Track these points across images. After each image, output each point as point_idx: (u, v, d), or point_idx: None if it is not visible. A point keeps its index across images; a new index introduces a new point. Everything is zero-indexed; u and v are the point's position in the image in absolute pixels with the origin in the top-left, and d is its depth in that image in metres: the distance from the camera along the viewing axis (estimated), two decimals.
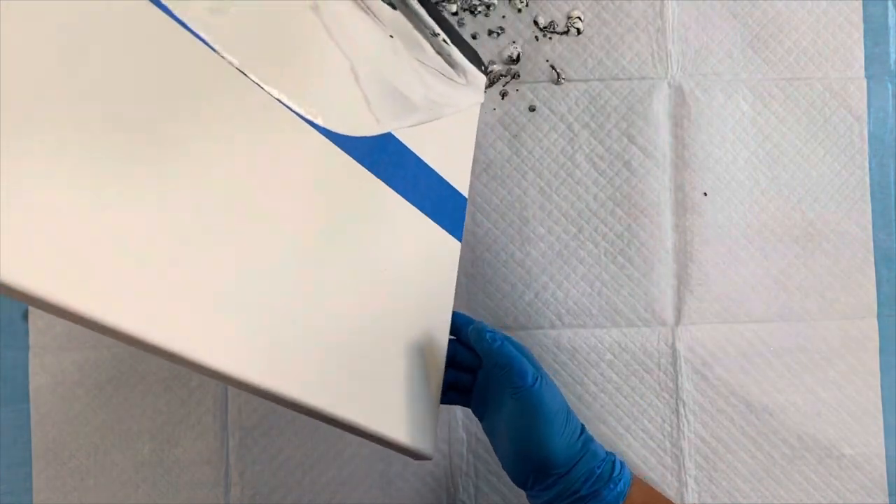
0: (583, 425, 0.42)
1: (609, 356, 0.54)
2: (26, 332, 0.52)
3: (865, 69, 0.55)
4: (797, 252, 0.55)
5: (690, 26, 0.55)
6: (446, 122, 0.45)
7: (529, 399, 0.39)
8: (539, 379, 0.40)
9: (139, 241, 0.26)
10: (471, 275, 0.54)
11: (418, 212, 0.43)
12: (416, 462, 0.53)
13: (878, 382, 0.55)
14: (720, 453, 0.54)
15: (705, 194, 0.54)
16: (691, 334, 0.54)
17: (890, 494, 0.54)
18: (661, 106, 0.54)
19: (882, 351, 0.55)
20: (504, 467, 0.42)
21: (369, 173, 0.39)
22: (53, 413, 0.52)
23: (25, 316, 0.52)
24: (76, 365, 0.52)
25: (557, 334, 0.54)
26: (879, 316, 0.55)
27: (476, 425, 0.53)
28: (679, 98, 0.54)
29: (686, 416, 0.54)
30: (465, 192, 0.48)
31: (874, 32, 0.55)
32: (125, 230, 0.26)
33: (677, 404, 0.54)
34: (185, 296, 0.28)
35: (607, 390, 0.54)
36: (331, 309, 0.36)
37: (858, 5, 0.55)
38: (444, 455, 0.53)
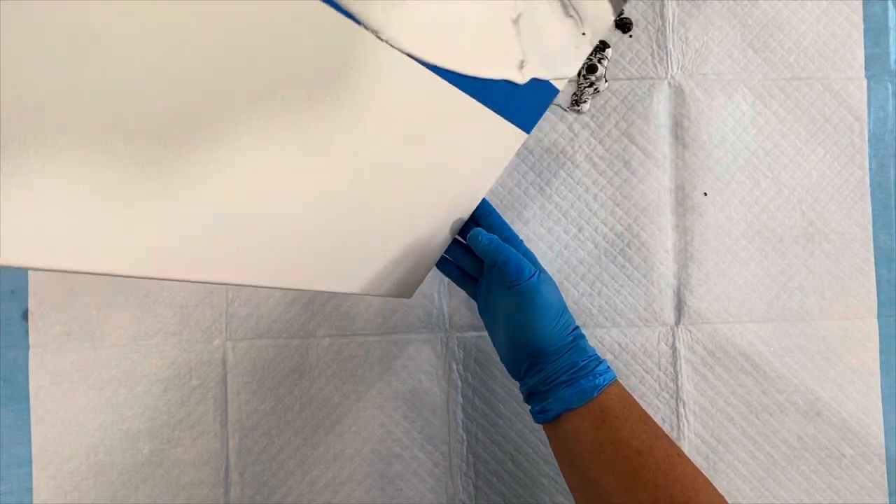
0: (578, 326, 0.44)
1: (609, 356, 0.54)
2: (26, 332, 0.52)
3: (866, 69, 0.55)
4: (797, 252, 0.55)
5: (691, 26, 0.54)
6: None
7: (527, 291, 0.42)
8: (537, 274, 0.43)
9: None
10: None
11: (489, 111, 0.43)
12: (416, 462, 0.53)
13: (878, 382, 0.55)
14: (720, 453, 0.54)
15: (705, 194, 0.54)
16: (691, 334, 0.54)
17: (890, 495, 0.54)
18: (661, 106, 0.54)
19: (882, 351, 0.55)
20: (501, 359, 0.45)
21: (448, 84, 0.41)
22: (53, 413, 0.52)
23: (25, 316, 0.52)
24: (76, 365, 0.52)
25: None
26: (879, 316, 0.55)
27: (476, 425, 0.53)
28: (679, 98, 0.54)
29: (686, 416, 0.54)
30: (559, 86, 0.48)
31: (874, 32, 0.55)
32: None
33: (677, 404, 0.54)
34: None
35: None
36: (377, 209, 0.40)
37: (858, 5, 0.55)
38: (444, 455, 0.53)
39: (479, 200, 0.48)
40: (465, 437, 0.53)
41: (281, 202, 0.35)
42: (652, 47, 0.54)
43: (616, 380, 0.42)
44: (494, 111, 0.43)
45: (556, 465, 0.53)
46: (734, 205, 0.54)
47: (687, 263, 0.54)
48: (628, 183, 0.54)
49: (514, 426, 0.53)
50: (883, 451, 0.54)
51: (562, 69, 0.46)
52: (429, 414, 0.53)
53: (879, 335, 0.55)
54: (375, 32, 0.34)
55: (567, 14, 0.45)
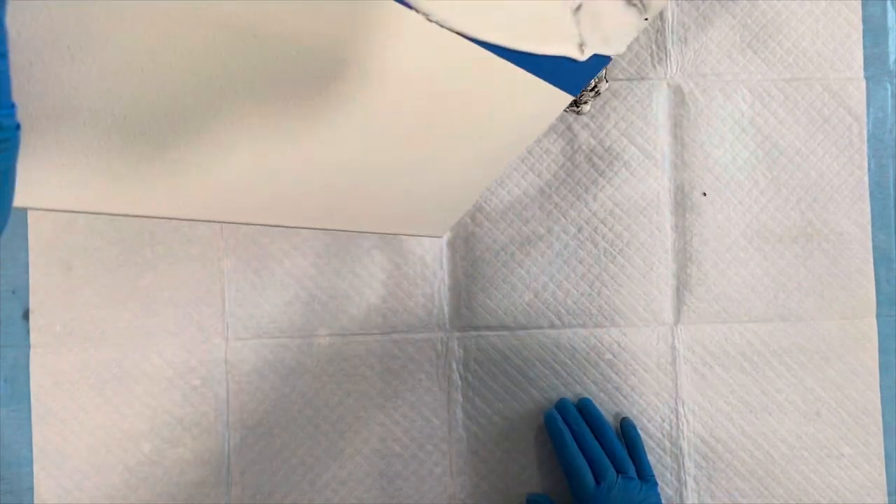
0: None
1: (608, 356, 0.54)
2: (27, 332, 0.52)
3: (864, 69, 0.55)
4: (796, 252, 0.55)
5: (690, 27, 0.55)
6: None
7: None
8: (604, 484, 0.44)
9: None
10: (471, 275, 0.54)
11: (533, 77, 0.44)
12: (416, 462, 0.53)
13: (877, 382, 0.55)
14: (719, 453, 0.54)
15: (704, 194, 0.54)
16: (691, 334, 0.54)
17: (889, 494, 0.54)
18: (660, 106, 0.54)
19: (881, 350, 0.55)
20: None
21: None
22: (54, 412, 0.52)
23: (26, 315, 0.52)
24: (76, 365, 0.52)
25: (557, 334, 0.54)
26: (878, 316, 0.55)
27: (476, 425, 0.53)
28: (678, 98, 0.54)
29: (685, 415, 0.54)
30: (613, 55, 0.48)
31: (873, 33, 0.55)
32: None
33: (676, 404, 0.54)
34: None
35: (607, 390, 0.54)
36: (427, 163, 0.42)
37: (857, 6, 0.55)
38: (444, 454, 0.53)
39: (517, 152, 0.48)
40: (464, 436, 0.53)
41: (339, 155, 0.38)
42: (651, 48, 0.54)
43: None
44: (545, 80, 0.43)
45: (555, 465, 0.53)
46: (733, 205, 0.54)
47: (686, 263, 0.54)
48: (627, 183, 0.54)
49: (514, 426, 0.53)
50: (882, 451, 0.54)
51: (618, 46, 0.45)
52: (429, 413, 0.53)
53: (878, 335, 0.55)
54: (426, 15, 0.35)
55: (630, 3, 0.45)
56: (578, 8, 0.42)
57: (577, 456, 0.47)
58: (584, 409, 0.52)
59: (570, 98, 0.45)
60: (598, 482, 0.46)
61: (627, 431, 0.52)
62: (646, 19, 0.46)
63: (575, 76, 0.43)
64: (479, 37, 0.38)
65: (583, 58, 0.43)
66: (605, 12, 0.43)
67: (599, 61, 0.44)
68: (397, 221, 0.46)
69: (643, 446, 0.51)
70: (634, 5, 0.44)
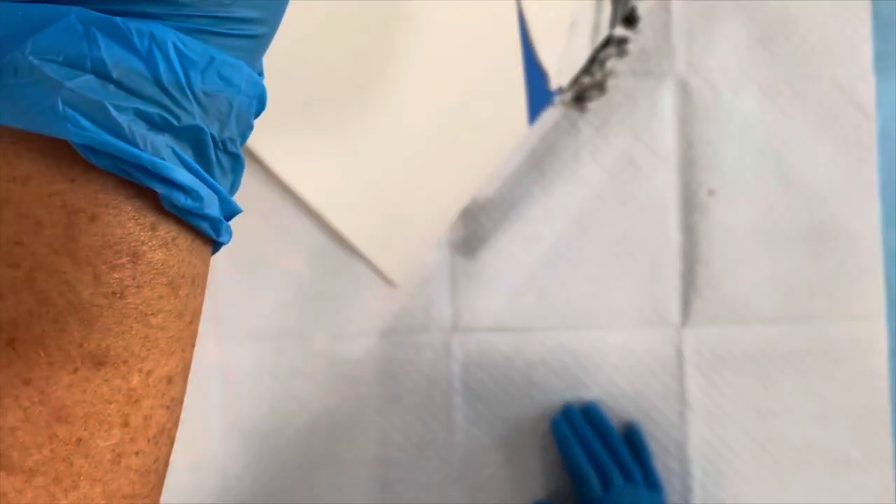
0: None
1: (613, 359, 0.53)
2: None
3: (874, 65, 0.55)
4: (805, 252, 0.54)
5: (696, 21, 0.54)
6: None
7: None
8: (610, 488, 0.44)
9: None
10: (471, 275, 0.53)
11: (523, 91, 0.48)
12: (416, 468, 0.53)
13: (886, 385, 0.54)
14: (727, 458, 0.54)
15: (712, 193, 0.54)
16: (698, 336, 0.54)
17: None
18: (666, 102, 0.54)
19: (891, 353, 0.54)
20: None
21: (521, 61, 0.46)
22: None
23: None
24: None
25: (560, 336, 0.53)
26: (888, 317, 0.55)
27: (476, 429, 0.53)
28: (685, 95, 0.54)
29: (692, 420, 0.53)
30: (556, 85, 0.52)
31: (883, 28, 0.55)
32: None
33: (683, 408, 0.54)
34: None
35: (611, 393, 0.53)
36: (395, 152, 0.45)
37: (867, 2, 0.55)
38: (444, 460, 0.53)
39: (474, 182, 0.50)
40: (465, 441, 0.53)
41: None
42: (657, 43, 0.54)
43: None
44: (527, 84, 0.47)
45: (559, 471, 0.52)
46: (741, 203, 0.54)
47: (693, 264, 0.54)
48: (633, 181, 0.54)
49: (517, 431, 0.53)
50: (891, 455, 0.54)
51: (564, 80, 0.51)
52: (428, 418, 0.53)
53: (888, 337, 0.54)
54: None
55: (594, 30, 0.51)
56: (572, 24, 0.44)
57: (584, 462, 0.47)
58: (590, 415, 0.51)
59: (523, 128, 0.47)
60: (604, 489, 0.46)
61: (634, 437, 0.52)
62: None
63: (539, 100, 0.47)
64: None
65: (555, 84, 0.49)
66: (580, 38, 0.48)
67: (548, 97, 0.50)
68: (370, 234, 0.47)
69: (650, 452, 0.51)
70: (594, 30, 0.49)
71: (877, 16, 0.55)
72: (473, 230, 0.54)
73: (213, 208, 0.16)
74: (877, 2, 0.55)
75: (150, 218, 0.15)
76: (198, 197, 0.15)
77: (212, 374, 0.52)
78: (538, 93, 0.48)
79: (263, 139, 0.42)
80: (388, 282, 0.48)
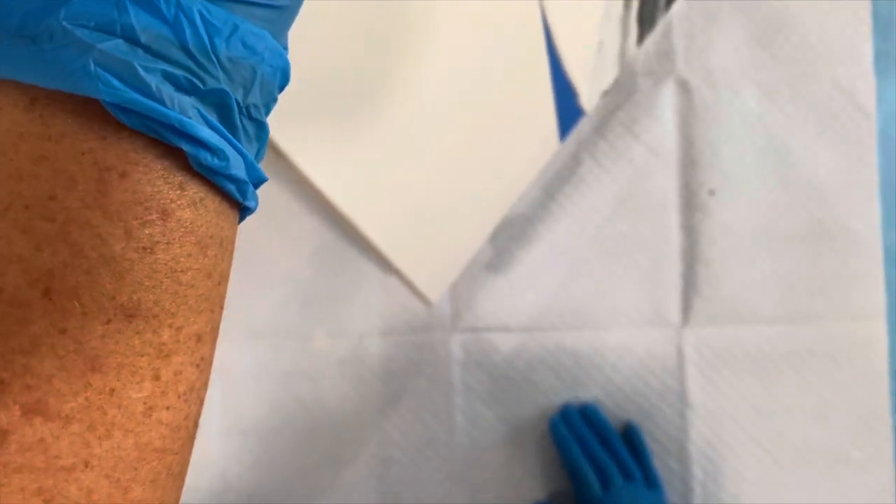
0: None
1: (613, 359, 0.53)
2: None
3: (874, 65, 0.55)
4: (805, 252, 0.54)
5: (696, 22, 0.54)
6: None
7: None
8: (611, 488, 0.44)
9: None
10: (471, 275, 0.53)
11: (553, 109, 0.48)
12: (415, 467, 0.53)
13: (886, 385, 0.54)
14: (727, 458, 0.53)
15: (712, 193, 0.54)
16: (698, 336, 0.54)
17: None
18: (666, 102, 0.54)
19: (891, 353, 0.54)
20: None
21: (548, 76, 0.47)
22: None
23: None
24: None
25: (560, 336, 0.53)
26: (889, 317, 0.55)
27: (478, 430, 0.53)
28: (685, 94, 0.54)
29: (693, 420, 0.53)
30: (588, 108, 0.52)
31: (883, 28, 0.55)
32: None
33: (683, 407, 0.53)
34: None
35: (611, 393, 0.53)
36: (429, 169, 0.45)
37: (867, 2, 0.55)
38: (444, 459, 0.53)
39: (509, 200, 0.51)
40: (465, 441, 0.53)
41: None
42: (657, 42, 0.54)
43: None
44: (556, 107, 0.48)
45: (559, 471, 0.52)
46: (741, 203, 0.54)
47: (693, 263, 0.54)
48: (633, 181, 0.54)
49: (517, 431, 0.53)
50: (891, 455, 0.54)
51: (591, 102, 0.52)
52: (429, 417, 0.53)
53: (888, 337, 0.54)
54: None
55: (620, 52, 0.52)
56: (600, 44, 0.45)
57: (583, 463, 0.47)
58: (589, 415, 0.51)
59: (555, 145, 0.48)
60: (604, 488, 0.46)
61: (633, 436, 0.51)
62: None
63: (570, 117, 0.47)
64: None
65: (588, 104, 0.50)
66: (608, 60, 0.47)
67: (578, 114, 0.50)
68: (405, 249, 0.47)
69: (649, 451, 0.51)
70: (621, 52, 0.49)
71: (877, 16, 0.55)
72: None
73: (239, 170, 0.16)
74: (877, 2, 0.55)
75: (178, 177, 0.16)
76: (224, 157, 0.16)
77: (212, 374, 0.52)
78: (568, 109, 0.49)
79: (306, 153, 0.42)
80: (423, 298, 0.48)
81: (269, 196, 0.50)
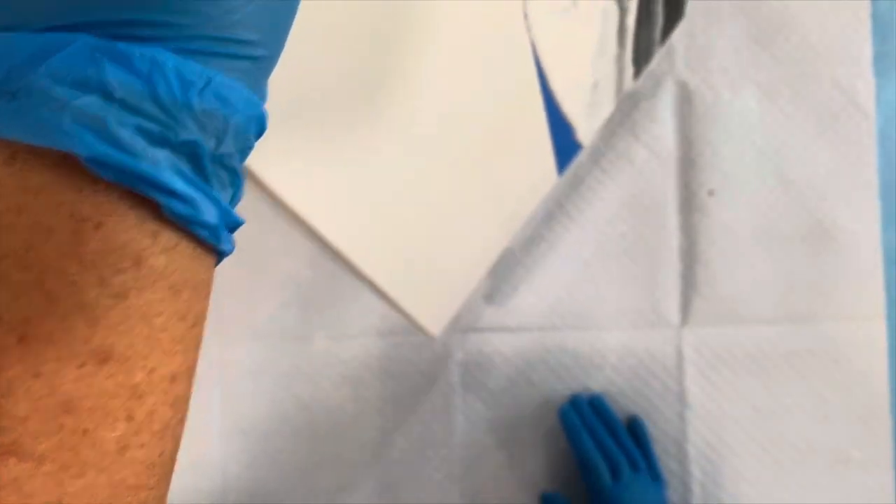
0: None
1: (613, 359, 0.53)
2: None
3: (874, 66, 0.55)
4: (805, 252, 0.54)
5: (696, 22, 0.54)
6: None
7: (604, 501, 0.43)
8: (619, 477, 0.44)
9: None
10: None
11: (550, 144, 0.48)
12: (415, 468, 0.53)
13: (886, 385, 0.54)
14: (726, 458, 0.53)
15: (711, 193, 0.54)
16: (697, 336, 0.54)
17: None
18: (666, 103, 0.54)
19: (890, 353, 0.54)
20: None
21: (543, 112, 0.46)
22: None
23: None
24: None
25: (560, 336, 0.53)
26: (888, 317, 0.55)
27: (478, 429, 0.53)
28: (685, 95, 0.54)
29: (692, 420, 0.53)
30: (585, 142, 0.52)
31: (882, 29, 0.55)
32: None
33: (682, 408, 0.53)
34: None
35: (611, 393, 0.53)
36: (429, 202, 0.44)
37: (866, 3, 0.55)
38: (444, 460, 0.53)
39: (509, 231, 0.50)
40: (465, 441, 0.53)
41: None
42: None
43: None
44: (552, 142, 0.47)
45: (558, 470, 0.53)
46: (741, 203, 0.54)
47: (692, 264, 0.54)
48: (632, 181, 0.54)
49: (516, 431, 0.53)
50: (891, 455, 0.54)
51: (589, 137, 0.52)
52: (428, 418, 0.53)
53: (888, 337, 0.54)
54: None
55: (617, 88, 0.51)
56: (595, 84, 0.45)
57: (594, 452, 0.47)
58: (597, 406, 0.52)
59: (553, 179, 0.47)
60: (613, 479, 0.46)
61: (637, 429, 0.52)
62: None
63: (566, 150, 0.47)
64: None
65: (585, 137, 0.49)
66: (604, 96, 0.48)
67: (576, 148, 0.50)
68: (403, 282, 0.46)
69: (652, 444, 0.51)
70: (618, 89, 0.49)
71: (876, 16, 0.55)
72: None
73: (211, 216, 0.17)
74: (876, 2, 0.55)
75: (151, 226, 0.16)
76: (195, 205, 0.16)
77: (212, 374, 0.52)
78: (565, 144, 0.49)
79: (299, 193, 0.42)
80: (426, 333, 0.48)
81: (270, 199, 0.50)
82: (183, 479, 0.51)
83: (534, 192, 0.50)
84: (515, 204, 0.49)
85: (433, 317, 0.47)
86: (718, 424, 0.53)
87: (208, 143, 0.16)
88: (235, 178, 0.18)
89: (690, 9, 0.54)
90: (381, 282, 0.44)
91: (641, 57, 0.50)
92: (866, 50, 0.54)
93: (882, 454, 0.54)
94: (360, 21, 0.36)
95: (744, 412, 0.54)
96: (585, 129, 0.50)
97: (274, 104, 0.29)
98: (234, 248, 0.19)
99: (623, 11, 0.46)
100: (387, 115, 0.41)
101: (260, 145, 0.19)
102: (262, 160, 0.37)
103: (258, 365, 0.52)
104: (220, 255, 0.19)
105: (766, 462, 0.54)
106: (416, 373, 0.53)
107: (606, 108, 0.49)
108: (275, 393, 0.52)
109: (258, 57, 0.17)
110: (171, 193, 0.16)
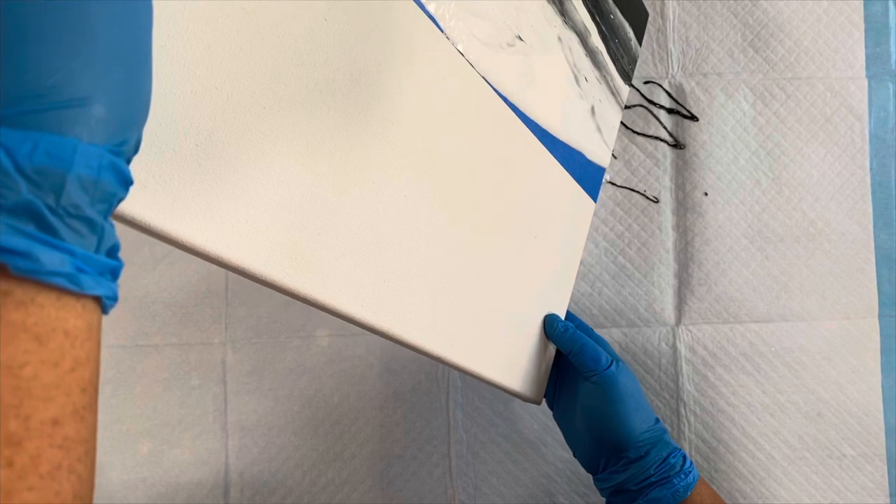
0: (657, 417, 0.43)
1: None
2: None
3: (866, 69, 0.55)
4: (798, 252, 0.55)
5: (691, 25, 0.54)
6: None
7: (605, 382, 0.42)
8: (614, 363, 0.43)
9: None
10: None
11: (568, 175, 0.46)
12: (416, 463, 0.53)
13: (878, 383, 0.54)
14: (721, 454, 0.54)
15: (706, 194, 0.54)
16: (692, 334, 0.54)
17: (891, 495, 0.54)
18: (661, 105, 0.54)
19: (883, 351, 0.55)
20: (575, 454, 0.44)
21: (547, 153, 0.44)
22: None
23: None
24: None
25: None
26: (880, 316, 0.55)
27: (476, 426, 0.53)
28: (680, 97, 0.54)
29: (687, 416, 0.54)
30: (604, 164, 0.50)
31: (875, 32, 0.55)
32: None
33: (678, 405, 0.54)
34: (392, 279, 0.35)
35: None
36: (485, 277, 0.40)
37: (859, 5, 0.55)
38: (444, 455, 0.53)
39: (571, 281, 0.49)
40: (465, 437, 0.53)
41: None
42: (652, 46, 0.54)
43: (700, 477, 0.42)
44: (569, 173, 0.46)
45: (557, 465, 0.53)
46: (735, 204, 0.54)
47: (687, 263, 0.54)
48: (628, 182, 0.54)
49: (515, 426, 0.53)
50: (884, 452, 0.54)
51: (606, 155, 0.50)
52: (429, 414, 0.53)
53: (880, 335, 0.55)
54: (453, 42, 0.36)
55: (617, 102, 0.50)
56: (593, 109, 0.44)
57: (587, 340, 0.45)
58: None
59: (591, 206, 0.47)
60: (611, 364, 0.44)
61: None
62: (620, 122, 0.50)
63: (588, 175, 0.46)
64: (522, 108, 0.40)
65: (603, 160, 0.48)
66: (608, 114, 0.48)
67: (600, 172, 0.49)
68: (489, 356, 0.41)
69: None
70: (619, 104, 0.48)
71: (869, 20, 0.55)
72: None
73: (62, 266, 0.18)
74: (869, 5, 0.55)
75: (2, 286, 0.17)
76: (35, 260, 0.17)
77: (216, 371, 0.52)
78: (586, 171, 0.47)
79: (366, 307, 0.36)
80: (532, 401, 0.46)
81: None
82: (188, 473, 0.52)
83: (579, 227, 0.49)
84: (568, 245, 0.48)
85: (534, 385, 0.45)
86: (713, 421, 0.54)
87: (47, 199, 0.17)
88: (93, 225, 0.19)
89: (685, 13, 0.55)
90: (477, 368, 0.40)
91: (625, 66, 0.49)
92: (859, 53, 0.55)
93: (875, 451, 0.54)
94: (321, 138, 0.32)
95: (738, 409, 0.54)
96: (601, 152, 0.48)
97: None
98: (111, 290, 0.19)
99: (582, 35, 0.44)
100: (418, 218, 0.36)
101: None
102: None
103: (262, 362, 0.53)
104: (101, 299, 0.20)
105: (759, 458, 0.54)
106: (417, 370, 0.53)
107: (614, 121, 0.49)
108: (278, 390, 0.53)
109: (94, 113, 0.18)
110: (11, 252, 0.17)
